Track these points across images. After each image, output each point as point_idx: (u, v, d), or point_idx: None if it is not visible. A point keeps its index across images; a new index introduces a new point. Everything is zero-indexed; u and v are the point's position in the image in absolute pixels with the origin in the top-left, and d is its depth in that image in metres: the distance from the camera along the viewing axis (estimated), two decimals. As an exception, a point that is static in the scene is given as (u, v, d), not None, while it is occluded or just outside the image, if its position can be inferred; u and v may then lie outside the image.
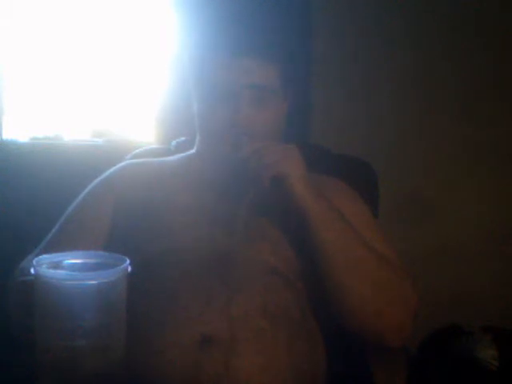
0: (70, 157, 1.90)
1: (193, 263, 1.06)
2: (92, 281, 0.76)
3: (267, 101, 1.12)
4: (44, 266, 0.80)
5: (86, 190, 1.22)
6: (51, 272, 0.77)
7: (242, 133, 1.08)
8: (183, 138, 1.44)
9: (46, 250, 1.02)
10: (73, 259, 0.84)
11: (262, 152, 1.04)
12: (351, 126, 2.00)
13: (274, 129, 1.14)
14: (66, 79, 2.06)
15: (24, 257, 1.17)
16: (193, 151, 1.26)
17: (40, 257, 0.82)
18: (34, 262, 0.80)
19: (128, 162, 1.30)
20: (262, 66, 1.11)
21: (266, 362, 0.98)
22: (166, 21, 1.96)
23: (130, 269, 0.80)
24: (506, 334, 1.92)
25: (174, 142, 1.46)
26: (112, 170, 1.24)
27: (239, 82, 1.09)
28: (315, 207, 1.04)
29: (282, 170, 1.03)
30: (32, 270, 0.78)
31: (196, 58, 1.16)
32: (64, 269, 0.82)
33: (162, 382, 0.97)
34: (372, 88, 2.01)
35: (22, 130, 2.05)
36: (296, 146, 1.07)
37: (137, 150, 1.43)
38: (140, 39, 2.04)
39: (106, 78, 2.07)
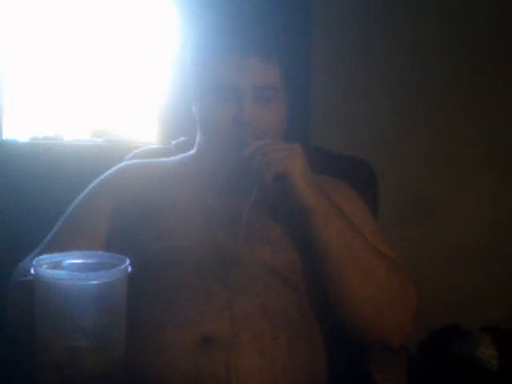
0: (70, 157, 1.90)
1: (193, 263, 1.06)
2: (92, 281, 0.76)
3: (271, 100, 1.12)
4: (44, 266, 0.80)
5: (86, 191, 1.21)
6: (51, 272, 0.77)
7: (246, 132, 1.08)
8: (183, 138, 1.44)
9: (46, 250, 1.02)
10: (73, 259, 0.84)
11: (265, 150, 1.04)
12: (351, 126, 2.00)
13: (277, 128, 1.15)
14: (65, 79, 2.06)
15: (24, 257, 1.17)
16: (193, 151, 1.26)
17: (40, 257, 0.82)
18: (34, 262, 0.80)
19: (128, 162, 1.30)
20: (266, 66, 1.11)
21: (266, 362, 0.98)
22: (168, 20, 1.96)
23: (130, 269, 0.80)
24: (506, 334, 1.93)
25: (174, 142, 1.46)
26: (112, 170, 1.24)
27: (244, 82, 1.09)
28: (317, 204, 1.04)
29: (284, 167, 1.03)
30: (32, 270, 0.78)
31: (199, 57, 1.16)
32: (64, 269, 0.82)
33: (162, 382, 0.97)
34: (372, 88, 2.01)
35: (21, 130, 2.05)
36: (299, 144, 1.07)
37: (137, 150, 1.42)
38: (140, 39, 2.04)
39: (106, 78, 2.07)
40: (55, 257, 0.83)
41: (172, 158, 1.29)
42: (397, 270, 1.09)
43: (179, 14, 1.92)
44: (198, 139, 1.22)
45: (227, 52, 1.10)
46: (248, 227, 1.09)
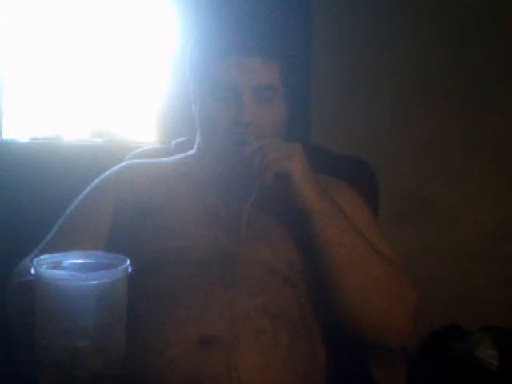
0: (69, 157, 1.90)
1: (193, 263, 1.06)
2: (92, 281, 0.76)
3: (271, 100, 1.12)
4: (44, 266, 0.80)
5: (86, 190, 1.22)
6: (51, 272, 0.77)
7: (246, 132, 1.08)
8: (183, 138, 1.44)
9: (46, 250, 1.02)
10: (73, 259, 0.84)
11: (266, 149, 1.04)
12: (351, 126, 2.00)
13: (277, 128, 1.15)
14: (65, 79, 2.06)
15: (24, 257, 1.17)
16: (193, 151, 1.26)
17: (40, 257, 0.82)
18: (34, 262, 0.80)
19: (128, 162, 1.30)
20: (266, 66, 1.11)
21: (266, 362, 0.98)
22: (167, 19, 1.96)
23: (130, 269, 0.80)
24: (506, 333, 1.92)
25: (173, 142, 1.46)
26: (112, 170, 1.24)
27: (243, 82, 1.09)
28: (318, 204, 1.04)
29: (285, 166, 1.03)
30: (32, 270, 0.78)
31: (199, 57, 1.16)
32: (64, 269, 0.82)
33: (162, 382, 0.97)
34: (372, 88, 2.01)
35: (21, 130, 2.05)
36: (299, 144, 1.07)
37: (137, 150, 1.42)
38: (140, 38, 2.04)
39: (106, 78, 2.07)
40: (55, 257, 0.83)
41: (172, 158, 1.29)
42: (397, 271, 1.09)
43: (179, 14, 1.92)
44: (197, 139, 1.22)
45: (227, 52, 1.10)
46: (248, 226, 1.09)
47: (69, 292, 0.75)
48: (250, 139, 1.07)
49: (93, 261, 0.84)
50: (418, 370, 1.89)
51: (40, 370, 0.78)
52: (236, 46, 1.10)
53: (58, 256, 0.83)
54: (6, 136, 2.03)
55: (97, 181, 1.23)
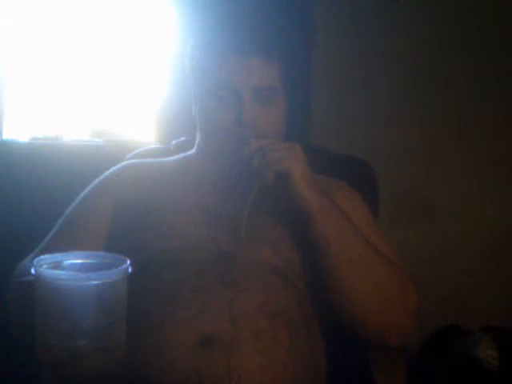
0: (69, 157, 1.90)
1: (193, 263, 1.06)
2: (92, 281, 0.76)
3: (272, 100, 1.12)
4: (44, 266, 0.80)
5: (86, 190, 1.22)
6: (51, 272, 0.77)
7: (246, 132, 1.08)
8: (183, 138, 1.45)
9: (46, 250, 1.02)
10: (73, 259, 0.84)
11: (266, 149, 1.04)
12: (351, 126, 2.00)
13: (278, 128, 1.15)
14: (65, 79, 2.06)
15: (24, 257, 1.17)
16: (193, 151, 1.26)
17: (40, 257, 0.82)
18: (35, 262, 0.80)
19: (128, 162, 1.30)
20: (266, 66, 1.11)
21: (266, 362, 0.98)
22: (167, 19, 1.96)
23: (130, 269, 0.80)
24: (506, 334, 1.93)
25: (173, 142, 1.46)
26: (112, 169, 1.25)
27: (244, 83, 1.09)
28: (317, 204, 1.04)
29: (285, 167, 1.03)
30: (32, 270, 0.78)
31: (199, 58, 1.16)
32: (64, 269, 0.82)
33: (162, 382, 0.97)
34: (372, 88, 2.01)
35: (22, 130, 2.05)
36: (298, 144, 1.07)
37: (137, 150, 1.43)
38: (140, 39, 2.04)
39: (106, 78, 2.07)
40: (56, 257, 0.83)
41: (172, 158, 1.29)
42: (397, 271, 1.09)
43: (179, 14, 1.92)
44: (198, 139, 1.22)
45: (227, 53, 1.10)
46: (248, 226, 1.09)
47: (69, 292, 0.75)
48: (250, 139, 1.07)
49: (93, 261, 0.83)
50: (417, 370, 1.89)
51: (40, 370, 0.78)
52: (236, 47, 1.10)
53: (58, 256, 0.83)
54: (6, 136, 2.03)
55: (97, 181, 1.23)
